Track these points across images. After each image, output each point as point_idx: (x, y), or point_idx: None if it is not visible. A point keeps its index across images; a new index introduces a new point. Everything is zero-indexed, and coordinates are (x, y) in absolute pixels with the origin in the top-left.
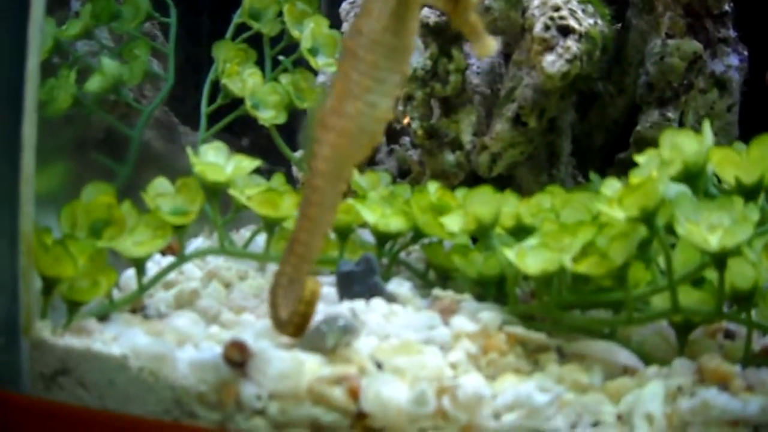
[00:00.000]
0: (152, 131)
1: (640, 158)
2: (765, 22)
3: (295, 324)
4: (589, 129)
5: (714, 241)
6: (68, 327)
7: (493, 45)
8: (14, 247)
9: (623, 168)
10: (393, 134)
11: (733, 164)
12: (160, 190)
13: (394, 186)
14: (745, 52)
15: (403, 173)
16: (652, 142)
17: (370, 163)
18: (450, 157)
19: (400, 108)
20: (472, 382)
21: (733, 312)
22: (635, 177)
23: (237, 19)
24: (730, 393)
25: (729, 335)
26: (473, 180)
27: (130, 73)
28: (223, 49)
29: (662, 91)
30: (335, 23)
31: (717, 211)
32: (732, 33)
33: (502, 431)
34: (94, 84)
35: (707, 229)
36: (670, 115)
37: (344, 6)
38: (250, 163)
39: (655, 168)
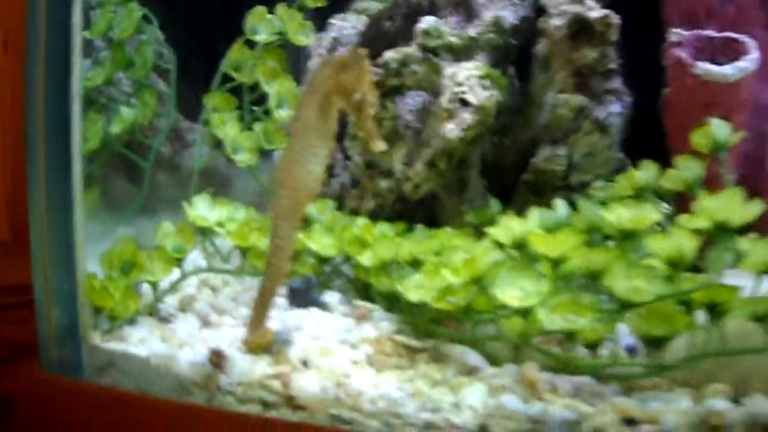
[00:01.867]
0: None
1: (492, 231)
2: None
3: (254, 350)
4: (502, 153)
5: (515, 302)
6: (111, 334)
7: (381, 146)
8: (74, 285)
9: (526, 186)
10: (347, 154)
11: (542, 243)
12: (166, 232)
13: (336, 211)
14: (629, 99)
15: (354, 184)
16: (546, 172)
17: (329, 175)
18: (383, 184)
19: (346, 142)
20: (358, 378)
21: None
22: (479, 249)
23: (222, 69)
24: (533, 394)
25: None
26: (403, 199)
27: (142, 116)
28: (211, 99)
29: (554, 133)
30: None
31: (523, 278)
32: (616, 84)
33: (374, 411)
34: (115, 128)
35: (515, 290)
36: (559, 152)
37: (312, 41)
38: (228, 211)
39: (486, 246)
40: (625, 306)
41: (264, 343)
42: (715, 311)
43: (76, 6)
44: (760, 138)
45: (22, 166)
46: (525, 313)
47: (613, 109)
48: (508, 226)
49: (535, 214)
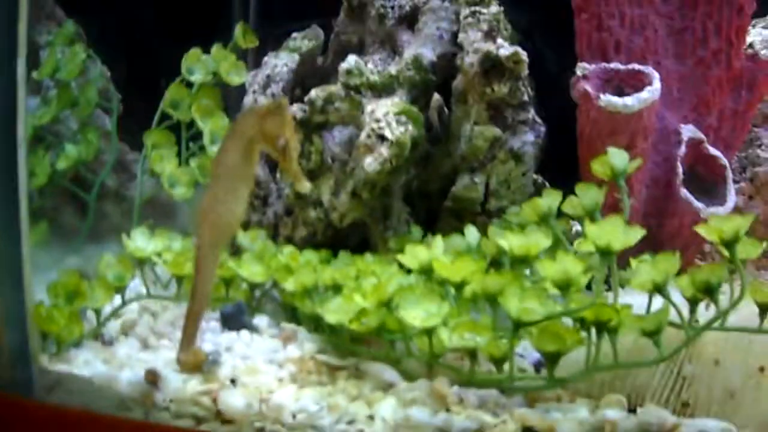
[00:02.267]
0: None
1: (401, 257)
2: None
3: (188, 369)
4: (426, 181)
5: (418, 322)
6: (58, 356)
7: (306, 186)
8: (23, 312)
9: (448, 212)
10: (279, 185)
11: (444, 268)
12: (107, 263)
13: (269, 240)
14: (542, 128)
15: (287, 212)
16: (464, 199)
17: (264, 203)
18: (313, 213)
19: (278, 174)
20: (280, 394)
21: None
22: (387, 274)
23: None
24: (442, 406)
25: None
26: (334, 226)
27: (86, 153)
28: (150, 136)
29: (471, 162)
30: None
31: (426, 300)
32: (530, 116)
33: (294, 424)
34: (61, 164)
35: (419, 311)
36: (477, 180)
37: (248, 79)
38: (164, 242)
39: (394, 272)
40: (518, 325)
41: (196, 362)
42: (604, 328)
43: (20, 61)
44: (667, 162)
45: None
46: (429, 332)
47: (527, 139)
48: (415, 253)
49: (439, 242)
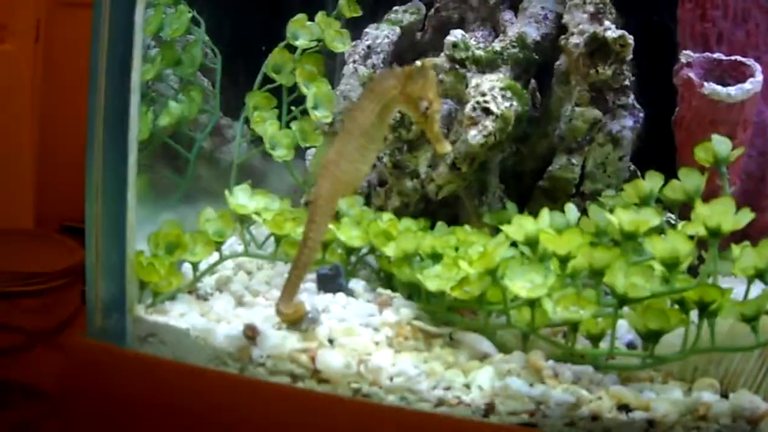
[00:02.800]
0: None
1: (506, 228)
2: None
3: (288, 321)
4: (521, 160)
5: (524, 292)
6: (153, 308)
7: (447, 147)
8: (123, 261)
9: (542, 192)
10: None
11: (551, 241)
12: (208, 217)
13: (365, 207)
14: (641, 114)
15: (381, 183)
16: (560, 179)
17: None
18: (409, 184)
19: None
20: (378, 357)
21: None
22: (492, 243)
23: (263, 71)
24: (536, 379)
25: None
26: (427, 199)
27: (189, 111)
28: (252, 98)
29: (569, 143)
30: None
31: (532, 271)
32: (630, 100)
33: (392, 387)
34: (163, 121)
35: (525, 282)
36: (574, 161)
37: (347, 50)
38: (266, 201)
39: (498, 241)
40: (623, 301)
41: (297, 316)
42: (707, 311)
43: (139, 6)
44: (763, 156)
45: (50, 157)
46: (533, 304)
47: (626, 123)
48: (521, 224)
49: (546, 215)
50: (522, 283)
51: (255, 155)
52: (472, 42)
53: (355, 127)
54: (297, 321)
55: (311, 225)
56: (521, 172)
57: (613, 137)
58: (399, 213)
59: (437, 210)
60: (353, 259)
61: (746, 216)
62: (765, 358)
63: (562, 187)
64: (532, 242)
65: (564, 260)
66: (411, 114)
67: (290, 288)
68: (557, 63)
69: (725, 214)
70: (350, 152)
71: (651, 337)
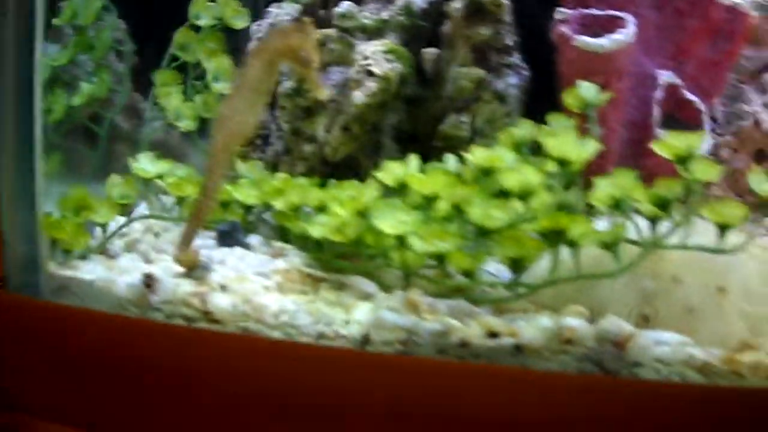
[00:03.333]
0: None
1: (377, 174)
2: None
3: (185, 267)
4: (416, 122)
5: (391, 230)
6: (64, 265)
7: (326, 92)
8: (34, 223)
9: (437, 151)
10: (279, 125)
11: (417, 182)
12: (114, 183)
13: (265, 172)
14: (526, 73)
15: (286, 151)
16: (452, 137)
17: (265, 143)
18: (308, 148)
19: (277, 113)
20: (265, 298)
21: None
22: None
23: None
24: (413, 314)
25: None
26: (328, 162)
27: (99, 91)
28: (160, 75)
29: (458, 102)
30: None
31: (398, 211)
32: (513, 59)
33: (276, 324)
34: (77, 101)
35: (392, 220)
36: (463, 119)
37: (253, 27)
38: (170, 167)
39: (371, 188)
40: (482, 232)
41: (192, 261)
42: (567, 240)
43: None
44: (645, 105)
45: None
46: (401, 240)
47: (511, 81)
48: (391, 170)
49: (414, 160)
50: (389, 222)
51: (170, 134)
52: (361, 13)
53: (244, 83)
54: (193, 268)
55: (208, 176)
56: (417, 134)
57: (499, 95)
58: (304, 177)
59: (340, 173)
60: (251, 217)
61: (591, 146)
62: (633, 286)
63: (454, 145)
64: (402, 185)
65: (430, 200)
66: (294, 65)
67: (187, 235)
68: (443, 27)
69: (571, 145)
70: (240, 106)
71: (515, 265)
